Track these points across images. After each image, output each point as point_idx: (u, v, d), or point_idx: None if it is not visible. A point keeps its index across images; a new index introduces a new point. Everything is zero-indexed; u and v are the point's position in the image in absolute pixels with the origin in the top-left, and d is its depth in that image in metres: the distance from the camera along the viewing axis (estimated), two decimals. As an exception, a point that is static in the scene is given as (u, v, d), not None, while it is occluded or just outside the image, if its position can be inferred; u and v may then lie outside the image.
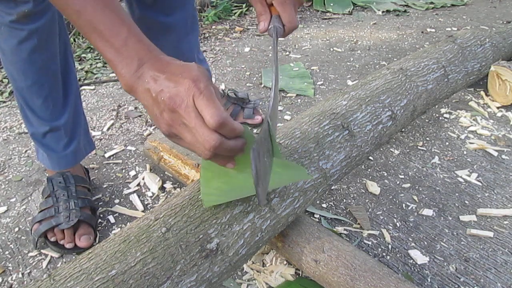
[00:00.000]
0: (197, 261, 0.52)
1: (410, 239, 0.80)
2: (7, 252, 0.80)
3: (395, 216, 0.86)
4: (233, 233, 0.56)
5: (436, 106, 1.29)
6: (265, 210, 0.60)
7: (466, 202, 0.90)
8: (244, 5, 2.66)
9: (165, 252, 0.51)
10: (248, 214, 0.58)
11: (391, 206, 0.89)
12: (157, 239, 0.51)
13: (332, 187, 0.94)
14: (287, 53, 1.86)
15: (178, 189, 0.95)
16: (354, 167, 0.80)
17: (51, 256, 0.78)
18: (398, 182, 0.96)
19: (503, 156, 1.05)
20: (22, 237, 0.83)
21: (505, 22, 2.24)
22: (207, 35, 2.15)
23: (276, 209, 0.62)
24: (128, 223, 0.86)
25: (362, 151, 0.78)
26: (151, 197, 0.94)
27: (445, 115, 1.25)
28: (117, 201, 0.93)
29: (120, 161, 1.07)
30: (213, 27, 2.29)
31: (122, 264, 0.48)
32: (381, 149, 1.08)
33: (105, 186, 0.97)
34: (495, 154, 1.06)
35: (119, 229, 0.85)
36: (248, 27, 2.30)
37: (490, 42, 1.25)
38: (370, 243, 0.79)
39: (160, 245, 0.51)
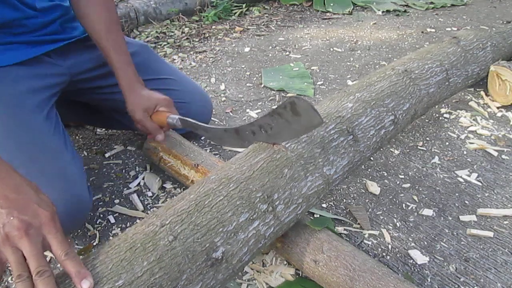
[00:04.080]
0: (203, 270, 0.52)
1: (410, 239, 0.80)
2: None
3: (395, 216, 0.86)
4: (238, 241, 0.56)
5: (436, 106, 1.28)
6: (270, 217, 0.60)
7: (466, 202, 0.90)
8: (244, 5, 2.66)
9: (171, 261, 0.50)
10: (253, 222, 0.58)
11: (391, 206, 0.89)
12: (163, 248, 0.50)
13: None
14: (287, 53, 1.86)
15: (179, 189, 0.95)
16: (354, 171, 0.79)
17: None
18: (398, 182, 0.96)
19: (503, 156, 1.05)
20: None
21: (505, 22, 2.24)
22: (207, 35, 2.15)
23: (280, 216, 0.62)
24: (130, 223, 0.86)
25: (363, 156, 0.77)
26: (151, 197, 0.94)
27: (445, 115, 1.25)
28: (117, 201, 0.93)
29: (120, 161, 1.07)
30: (213, 27, 2.29)
31: (128, 274, 0.47)
32: (381, 149, 1.08)
33: (105, 186, 0.97)
34: (495, 154, 1.06)
35: (119, 229, 0.85)
36: (248, 27, 2.30)
37: (491, 45, 1.25)
38: (370, 243, 0.79)
39: (167, 254, 0.50)
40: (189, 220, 0.54)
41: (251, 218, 0.57)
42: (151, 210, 0.90)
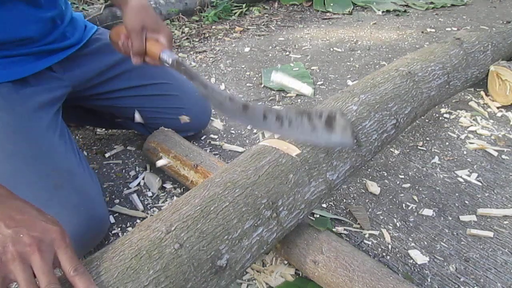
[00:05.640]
0: (207, 277, 0.52)
1: (410, 239, 0.80)
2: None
3: (395, 216, 0.86)
4: (242, 248, 0.55)
5: (436, 107, 1.28)
6: (273, 223, 0.60)
7: (466, 202, 0.90)
8: (244, 5, 2.66)
9: (177, 270, 0.49)
10: (257, 228, 0.57)
11: (391, 206, 0.89)
12: (169, 256, 0.50)
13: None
14: (287, 53, 1.86)
15: (179, 189, 0.95)
16: (353, 174, 0.79)
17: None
18: (398, 182, 0.96)
19: (503, 156, 1.05)
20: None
21: (505, 22, 2.23)
22: (207, 35, 2.15)
23: (283, 222, 0.61)
24: (130, 223, 0.86)
25: (364, 160, 0.77)
26: (151, 197, 0.94)
27: (445, 115, 1.25)
28: (117, 201, 0.93)
29: (120, 161, 1.07)
30: (213, 27, 2.29)
31: (135, 283, 0.47)
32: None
33: (105, 186, 0.97)
34: (495, 154, 1.06)
35: (119, 229, 0.85)
36: (248, 27, 2.30)
37: (491, 48, 1.24)
38: (370, 243, 0.79)
39: (173, 262, 0.49)
40: (195, 227, 0.53)
41: (256, 224, 0.57)
42: (151, 210, 0.90)
